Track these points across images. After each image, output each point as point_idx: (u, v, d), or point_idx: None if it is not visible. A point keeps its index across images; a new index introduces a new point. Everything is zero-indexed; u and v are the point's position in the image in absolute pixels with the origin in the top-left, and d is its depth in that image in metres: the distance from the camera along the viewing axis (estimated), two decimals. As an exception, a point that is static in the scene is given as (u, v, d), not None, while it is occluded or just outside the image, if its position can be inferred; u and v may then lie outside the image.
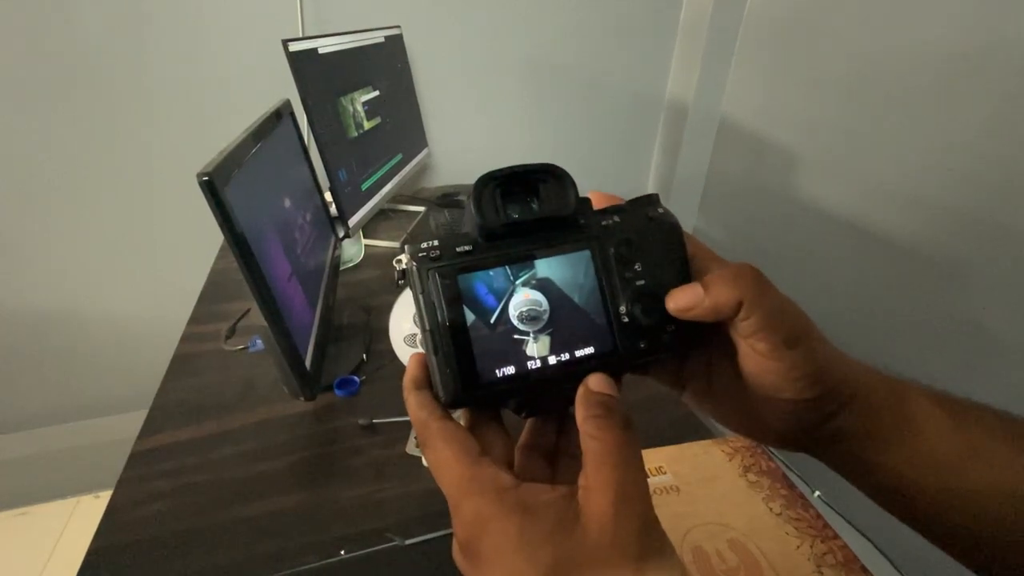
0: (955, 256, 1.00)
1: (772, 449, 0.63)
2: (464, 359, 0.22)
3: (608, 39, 1.49)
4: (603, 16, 1.45)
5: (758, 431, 0.27)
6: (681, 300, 0.24)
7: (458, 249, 0.23)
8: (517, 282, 0.24)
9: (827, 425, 0.25)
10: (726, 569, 0.47)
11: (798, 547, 0.49)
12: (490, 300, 0.23)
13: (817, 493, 0.70)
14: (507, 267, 0.23)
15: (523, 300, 0.23)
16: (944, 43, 0.98)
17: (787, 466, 0.64)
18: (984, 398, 0.25)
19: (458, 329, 0.23)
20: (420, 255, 0.23)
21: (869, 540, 0.70)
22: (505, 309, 0.23)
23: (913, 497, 0.24)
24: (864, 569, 0.47)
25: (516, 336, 0.23)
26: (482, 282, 0.23)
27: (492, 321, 0.23)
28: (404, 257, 0.23)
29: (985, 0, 0.91)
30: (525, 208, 0.24)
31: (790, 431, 0.25)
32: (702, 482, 0.55)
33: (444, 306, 0.22)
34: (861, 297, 1.21)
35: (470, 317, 0.23)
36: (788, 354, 0.23)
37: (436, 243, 0.23)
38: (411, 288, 0.23)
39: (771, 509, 0.53)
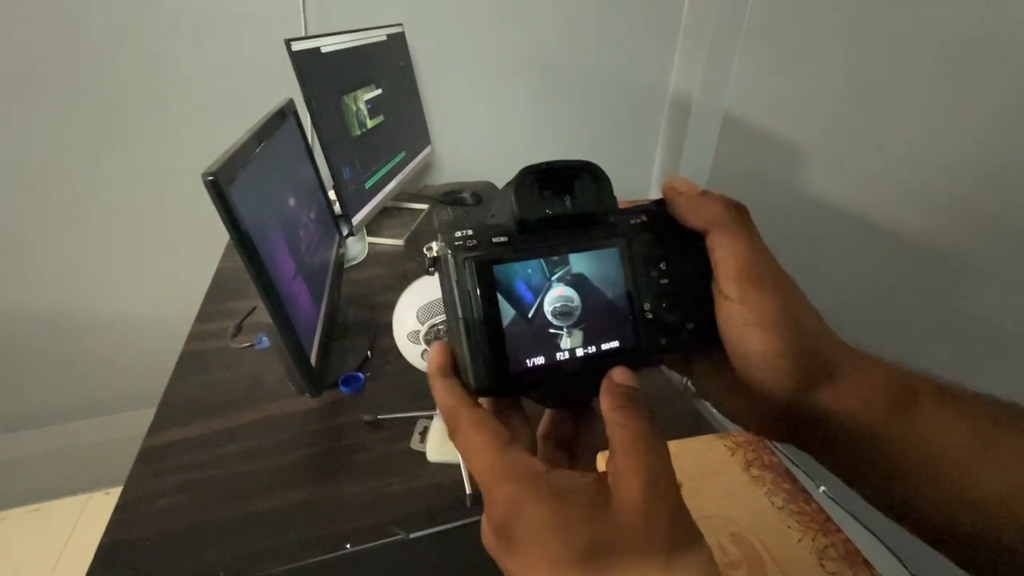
0: (960, 250, 1.00)
1: (775, 444, 0.63)
2: (496, 348, 0.23)
3: (611, 34, 1.49)
4: (606, 11, 1.45)
5: (744, 411, 0.26)
6: (679, 183, 0.25)
7: (494, 240, 0.23)
8: (553, 277, 0.24)
9: (813, 397, 0.24)
10: (728, 562, 0.48)
11: (800, 540, 0.49)
12: (527, 294, 0.23)
13: (822, 488, 0.70)
14: (542, 261, 0.24)
15: (556, 296, 0.24)
16: (949, 37, 0.97)
17: (791, 460, 0.64)
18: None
19: (492, 318, 0.23)
20: (456, 243, 0.23)
21: (874, 534, 0.70)
22: (541, 303, 0.24)
23: (915, 497, 0.23)
24: (866, 562, 0.47)
25: (551, 330, 0.24)
26: (518, 274, 0.23)
27: (529, 315, 0.23)
28: (436, 245, 0.23)
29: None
30: (559, 203, 0.24)
31: (775, 403, 0.24)
32: (705, 477, 0.56)
33: (479, 295, 0.23)
34: (866, 291, 1.20)
35: (505, 307, 0.23)
36: (755, 297, 0.23)
37: (471, 232, 0.23)
38: (442, 276, 0.23)
39: (773, 503, 0.53)
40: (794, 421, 0.25)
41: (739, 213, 0.24)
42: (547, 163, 0.24)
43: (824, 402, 0.24)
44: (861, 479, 0.25)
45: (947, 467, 0.22)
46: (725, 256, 0.24)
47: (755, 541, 0.49)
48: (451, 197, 1.34)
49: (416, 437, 0.68)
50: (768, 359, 0.23)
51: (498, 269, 0.23)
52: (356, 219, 1.03)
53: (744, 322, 0.23)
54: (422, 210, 1.32)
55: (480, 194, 1.34)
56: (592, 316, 0.24)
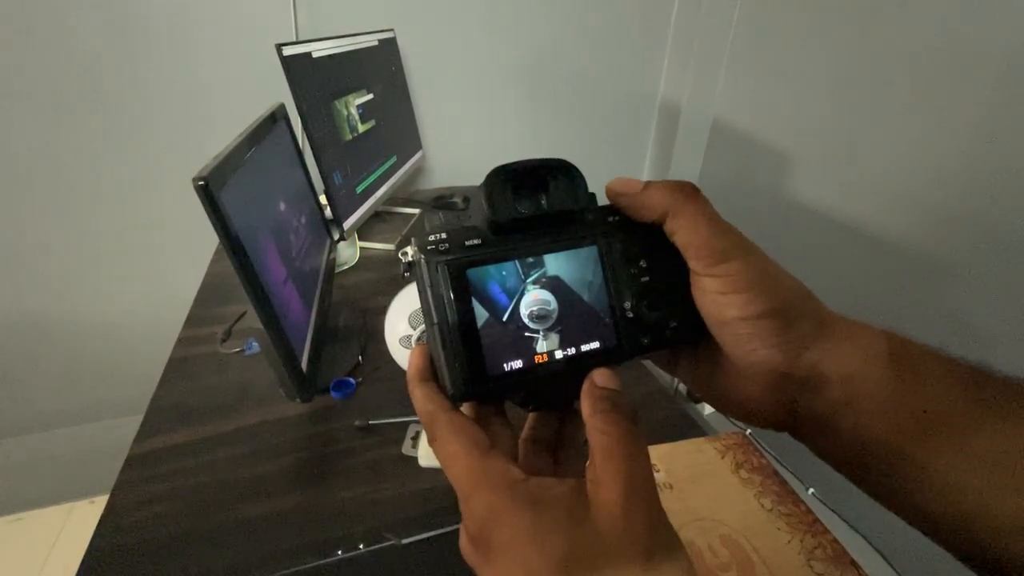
0: (944, 255, 1.02)
1: (764, 445, 0.63)
2: (473, 353, 0.22)
3: (601, 41, 1.50)
4: (596, 18, 1.46)
5: (740, 400, 0.25)
6: (619, 186, 0.25)
7: (467, 242, 0.23)
8: (528, 280, 0.23)
9: (807, 359, 0.23)
10: (718, 564, 0.48)
11: (789, 542, 0.50)
12: (501, 297, 0.23)
13: (811, 490, 0.71)
14: (517, 263, 0.23)
15: (532, 300, 0.23)
16: (932, 44, 0.99)
17: (780, 462, 0.65)
18: None
19: (467, 323, 0.22)
20: (428, 247, 0.22)
21: (861, 535, 0.71)
22: (516, 307, 0.23)
23: (923, 470, 0.21)
24: (854, 563, 0.48)
25: (527, 334, 0.23)
26: (492, 277, 0.23)
27: (504, 318, 0.23)
28: (411, 249, 0.23)
29: (972, 1, 0.92)
30: (534, 203, 0.24)
31: (770, 378, 0.23)
32: (695, 479, 0.56)
33: (453, 299, 0.22)
34: (851, 296, 1.22)
35: (479, 311, 0.23)
36: (723, 267, 0.23)
37: (444, 236, 0.23)
38: (417, 281, 0.23)
39: (763, 505, 0.53)
40: (793, 399, 0.24)
41: (687, 194, 0.24)
42: (518, 162, 0.24)
43: (820, 363, 0.23)
44: (867, 458, 0.23)
45: (946, 423, 0.21)
46: (684, 238, 0.23)
47: (744, 543, 0.50)
48: (442, 202, 1.34)
49: (408, 442, 0.68)
50: (749, 322, 0.22)
51: (472, 272, 0.23)
52: (347, 224, 1.03)
53: (717, 291, 0.23)
54: (413, 215, 1.32)
55: (471, 199, 1.35)
56: (570, 318, 0.24)
